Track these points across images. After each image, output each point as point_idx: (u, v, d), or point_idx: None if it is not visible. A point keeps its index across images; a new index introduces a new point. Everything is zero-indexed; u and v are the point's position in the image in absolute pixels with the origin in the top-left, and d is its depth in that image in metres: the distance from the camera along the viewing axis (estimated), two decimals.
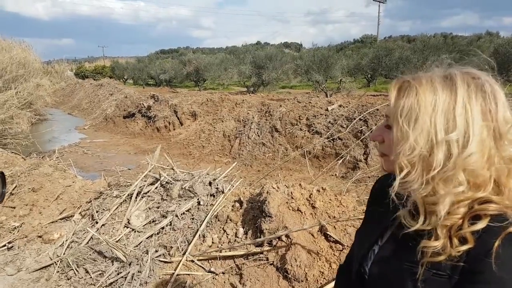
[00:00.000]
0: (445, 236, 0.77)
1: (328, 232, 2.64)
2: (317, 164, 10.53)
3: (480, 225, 0.74)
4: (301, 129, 11.52)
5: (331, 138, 10.48)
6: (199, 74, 22.38)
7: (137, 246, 3.15)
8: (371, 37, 50.56)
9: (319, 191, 2.87)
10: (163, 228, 3.20)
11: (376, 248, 0.96)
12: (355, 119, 10.92)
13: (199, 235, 2.99)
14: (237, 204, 3.17)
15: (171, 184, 3.55)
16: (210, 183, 3.40)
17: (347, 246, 2.62)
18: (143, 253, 2.98)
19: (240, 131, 12.29)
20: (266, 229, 2.70)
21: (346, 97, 13.39)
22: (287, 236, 2.62)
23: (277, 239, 2.67)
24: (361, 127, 10.70)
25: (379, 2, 50.09)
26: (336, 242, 2.65)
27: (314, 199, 2.79)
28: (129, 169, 9.85)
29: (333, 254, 2.61)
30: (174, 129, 14.37)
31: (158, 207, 3.47)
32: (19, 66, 14.70)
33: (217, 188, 3.35)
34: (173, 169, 3.78)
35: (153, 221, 3.37)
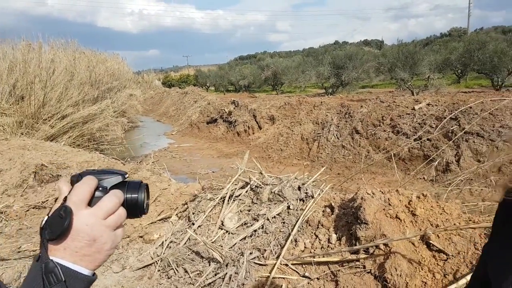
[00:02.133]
0: None
1: (430, 241, 2.49)
2: (403, 167, 9.95)
3: None
4: (384, 130, 11.00)
5: (419, 140, 9.81)
6: (276, 78, 22.68)
7: (231, 247, 3.29)
8: (459, 30, 46.12)
9: (419, 197, 2.71)
10: (255, 231, 3.31)
11: None
12: (445, 118, 10.09)
13: (291, 239, 3.03)
14: (328, 210, 3.14)
15: (260, 188, 3.65)
16: (299, 188, 3.43)
17: (452, 256, 2.44)
18: (238, 254, 3.11)
19: (318, 133, 12.16)
20: (362, 236, 2.63)
21: (434, 95, 12.45)
22: (385, 244, 2.52)
23: (374, 247, 2.59)
24: (452, 127, 9.85)
25: None
26: (439, 251, 2.48)
27: (414, 206, 2.64)
28: (213, 172, 10.37)
29: (437, 264, 2.45)
30: (253, 133, 14.77)
31: (249, 210, 3.59)
32: (113, 77, 16.32)
33: (306, 193, 3.36)
34: (261, 173, 3.88)
35: (245, 224, 3.50)
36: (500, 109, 9.31)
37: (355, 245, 2.70)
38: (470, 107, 9.70)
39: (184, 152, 13.37)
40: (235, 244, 3.31)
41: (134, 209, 0.73)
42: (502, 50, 13.51)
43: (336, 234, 2.92)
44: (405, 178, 8.64)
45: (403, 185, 7.49)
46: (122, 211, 0.71)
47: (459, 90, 13.47)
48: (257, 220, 3.37)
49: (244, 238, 3.32)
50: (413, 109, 10.95)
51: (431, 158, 8.75)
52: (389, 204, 2.71)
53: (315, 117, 12.96)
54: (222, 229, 3.54)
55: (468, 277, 2.18)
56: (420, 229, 2.61)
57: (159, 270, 3.50)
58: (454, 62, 16.76)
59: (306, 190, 3.36)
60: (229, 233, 3.47)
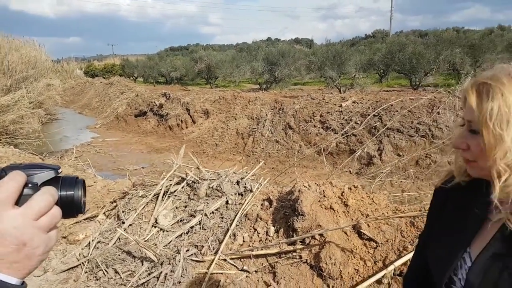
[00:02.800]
0: None
1: (362, 230, 2.62)
2: (331, 160, 10.49)
3: None
4: (314, 126, 11.48)
5: (345, 135, 10.42)
6: (210, 72, 22.40)
7: (166, 245, 3.16)
8: (382, 32, 50.03)
9: (350, 189, 2.85)
10: (192, 227, 3.21)
11: (467, 256, 0.91)
12: (369, 115, 10.84)
13: (230, 234, 3.00)
14: (266, 203, 3.16)
15: (198, 183, 3.55)
16: (237, 182, 3.40)
17: (381, 243, 2.60)
18: (174, 252, 3.00)
19: (253, 128, 12.30)
20: (299, 227, 2.69)
21: (359, 93, 13.30)
22: (320, 234, 2.61)
23: (310, 238, 2.66)
24: (375, 123, 10.62)
25: None
26: (370, 239, 2.63)
27: (347, 197, 2.77)
28: (143, 167, 9.93)
29: (367, 251, 2.59)
30: (186, 127, 14.43)
31: (185, 207, 3.48)
32: (29, 66, 14.82)
33: (245, 187, 3.35)
34: (198, 168, 3.79)
35: (181, 221, 3.39)
36: (418, 107, 10.26)
37: (293, 236, 2.75)
38: (391, 105, 10.53)
39: (109, 147, 12.60)
40: (171, 241, 3.19)
41: (70, 208, 0.64)
42: (419, 53, 14.92)
43: (274, 226, 2.94)
44: (333, 171, 9.11)
45: (331, 178, 7.90)
46: (56, 211, 0.60)
47: (381, 89, 14.56)
48: (194, 216, 3.27)
49: (180, 235, 3.21)
50: (341, 106, 11.59)
51: (357, 152, 9.35)
52: (324, 196, 2.80)
53: (250, 112, 13.07)
54: (156, 227, 3.38)
55: (397, 264, 2.34)
56: (352, 219, 2.74)
57: (86, 272, 3.24)
58: (377, 63, 18.11)
59: (245, 184, 3.34)
60: (163, 231, 3.33)
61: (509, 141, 0.76)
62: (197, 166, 3.80)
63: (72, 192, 0.64)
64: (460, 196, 0.96)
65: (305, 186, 2.85)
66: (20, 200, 0.58)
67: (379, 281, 2.38)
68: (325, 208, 2.74)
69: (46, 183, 0.62)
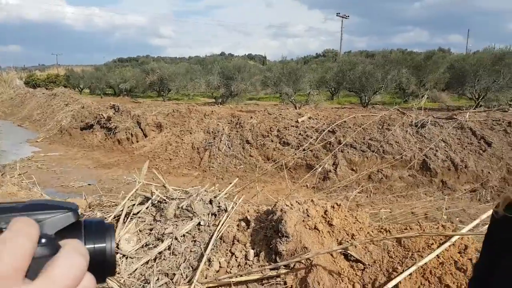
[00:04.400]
0: None
1: (348, 252, 2.50)
2: (288, 175, 10.50)
3: None
4: (272, 141, 11.48)
5: (303, 150, 10.52)
6: (163, 84, 21.79)
7: (131, 274, 2.82)
8: (332, 52, 52.48)
9: (333, 207, 2.74)
10: (161, 253, 2.90)
11: None
12: (324, 131, 11.08)
13: (205, 259, 2.74)
14: (243, 224, 2.95)
15: (165, 203, 3.25)
16: (210, 201, 3.15)
17: (369, 265, 2.50)
18: (141, 282, 2.67)
19: (210, 143, 12.01)
20: (283, 250, 2.51)
21: (314, 109, 13.61)
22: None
23: (295, 262, 2.49)
24: (330, 139, 10.86)
25: (342, 17, 52.22)
26: (357, 261, 2.52)
27: (331, 216, 2.65)
28: (89, 184, 9.22)
29: (355, 274, 2.47)
30: (137, 141, 13.74)
31: (151, 230, 3.15)
32: None
33: (219, 207, 3.11)
34: (164, 186, 3.48)
35: (146, 245, 3.05)
36: (370, 123, 10.67)
37: (275, 259, 2.56)
38: (345, 121, 10.87)
39: (52, 162, 11.61)
40: (136, 269, 2.84)
41: (101, 269, 0.43)
42: (369, 72, 15.71)
43: (254, 249, 2.73)
44: (292, 186, 9.09)
45: (290, 193, 7.86)
46: (89, 282, 0.38)
47: (333, 106, 15.07)
48: (162, 241, 2.96)
49: (147, 262, 2.88)
50: (297, 121, 11.74)
51: (317, 168, 9.44)
52: (308, 215, 2.66)
53: (206, 126, 12.78)
54: (117, 253, 3.01)
55: (389, 285, 2.24)
56: (338, 239, 2.62)
57: None
58: (329, 81, 18.78)
59: (219, 203, 3.10)
60: (127, 258, 2.97)
61: None
62: (163, 184, 3.50)
63: (104, 245, 0.44)
64: None
65: (287, 205, 2.69)
66: (31, 268, 0.33)
67: None
68: (309, 229, 2.59)
69: (64, 232, 0.41)
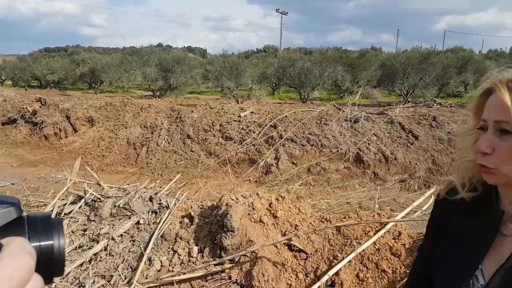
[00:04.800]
0: None
1: (292, 242, 2.54)
2: (231, 170, 10.48)
3: None
4: (214, 136, 11.36)
5: (246, 145, 10.57)
6: (95, 76, 20.46)
7: (64, 278, 2.60)
8: (273, 48, 53.37)
9: (278, 199, 2.75)
10: (96, 254, 2.71)
11: (479, 273, 0.83)
12: (266, 125, 11.24)
13: (145, 259, 2.61)
14: (186, 220, 2.85)
15: (99, 202, 3.04)
16: (150, 198, 3.00)
17: (311, 254, 2.56)
18: (75, 285, 2.47)
19: (147, 138, 11.55)
20: (228, 244, 2.46)
21: (256, 104, 13.70)
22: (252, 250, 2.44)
23: (240, 255, 2.47)
24: (272, 133, 11.04)
25: (281, 14, 53.16)
26: (300, 251, 2.56)
27: (275, 208, 2.66)
28: (13, 184, 8.40)
29: (298, 264, 2.52)
30: (66, 137, 12.78)
31: (84, 230, 2.93)
32: None
33: (160, 204, 2.97)
34: (99, 184, 3.26)
35: (79, 247, 2.84)
36: (309, 118, 11.02)
37: (220, 255, 2.52)
38: (286, 116, 11.10)
39: None
40: (69, 273, 2.63)
41: (48, 268, 0.39)
42: (308, 69, 16.20)
43: (197, 246, 2.66)
44: (235, 181, 9.10)
45: (233, 188, 7.86)
46: (37, 283, 0.34)
47: (275, 101, 15.30)
48: (98, 241, 2.77)
49: (81, 264, 2.68)
50: (239, 116, 11.74)
51: (260, 162, 9.54)
52: (253, 208, 2.65)
53: (143, 120, 12.26)
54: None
55: (331, 273, 2.31)
56: (282, 231, 2.64)
57: None
58: (270, 76, 19.06)
59: (160, 200, 2.97)
60: None
61: None
62: (97, 181, 3.27)
63: (51, 242, 0.40)
64: (466, 208, 0.90)
65: (232, 199, 2.65)
66: None
67: None
68: (254, 222, 2.58)
69: (5, 229, 0.36)
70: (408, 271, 2.07)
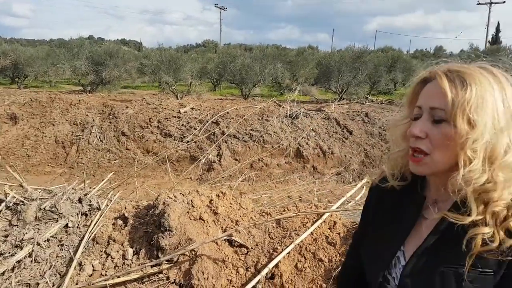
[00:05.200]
0: (493, 224, 0.76)
1: (233, 238, 2.53)
2: (171, 168, 10.19)
3: None
4: (152, 132, 10.97)
5: (187, 142, 10.35)
6: (18, 69, 18.66)
7: None
8: (213, 43, 52.80)
9: (218, 196, 2.71)
10: (20, 261, 2.47)
11: (401, 254, 0.88)
12: (207, 121, 11.11)
13: (75, 264, 2.43)
14: (120, 221, 2.70)
15: (22, 205, 2.77)
16: (80, 200, 2.80)
17: (252, 248, 2.57)
18: None
19: (77, 136, 10.83)
20: (166, 245, 2.37)
21: (196, 100, 13.46)
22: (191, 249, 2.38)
23: (179, 254, 2.40)
24: (214, 130, 10.94)
25: (220, 8, 52.71)
26: (240, 246, 2.56)
27: (216, 205, 2.62)
28: None
29: (239, 259, 2.51)
30: None
31: (6, 236, 2.65)
32: None
33: (90, 205, 2.78)
34: (21, 186, 2.97)
35: (1, 254, 2.58)
36: (251, 115, 11.09)
37: (158, 255, 2.43)
38: (228, 112, 11.06)
39: None
40: None
41: None
42: (248, 65, 16.26)
43: (132, 248, 2.54)
44: (175, 179, 8.88)
45: (174, 186, 7.66)
46: None
47: (216, 97, 15.16)
48: (22, 247, 2.53)
49: (3, 273, 2.43)
50: (179, 112, 11.45)
51: (201, 159, 9.39)
52: (193, 206, 2.58)
53: (72, 117, 11.46)
54: None
55: (270, 265, 2.34)
56: (222, 227, 2.62)
57: None
58: (210, 71, 18.84)
59: (90, 201, 2.78)
60: None
61: (482, 127, 0.76)
62: (20, 183, 2.98)
63: None
64: (396, 194, 0.95)
65: (170, 198, 2.56)
66: None
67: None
68: (194, 219, 2.51)
69: None
70: (343, 259, 2.16)
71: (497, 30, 54.18)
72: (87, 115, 11.47)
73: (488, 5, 45.51)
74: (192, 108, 11.50)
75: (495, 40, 50.73)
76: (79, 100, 12.35)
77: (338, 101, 15.33)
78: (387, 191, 0.95)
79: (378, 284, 0.89)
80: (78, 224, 2.71)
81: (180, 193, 2.65)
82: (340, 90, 17.12)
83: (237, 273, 2.43)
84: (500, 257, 0.75)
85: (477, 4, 48.14)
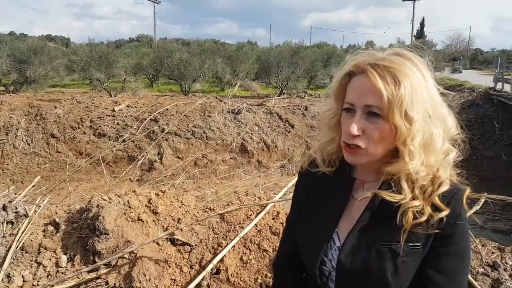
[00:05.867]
0: (422, 198, 0.81)
1: (175, 236, 2.46)
2: (108, 170, 9.66)
3: (445, 187, 0.81)
4: (84, 133, 10.33)
5: (123, 141, 9.88)
6: None
7: None
8: (147, 37, 50.82)
9: (158, 194, 2.61)
10: None
11: (335, 235, 0.90)
12: (146, 119, 10.70)
13: (2, 276, 2.22)
14: (51, 228, 2.49)
15: None
16: (4, 207, 2.54)
17: (195, 245, 2.52)
18: None
19: (1, 140, 9.89)
20: (103, 249, 2.23)
21: (132, 97, 12.88)
22: (130, 252, 2.28)
23: (117, 258, 2.29)
24: (153, 128, 10.58)
25: (154, 2, 50.81)
26: (184, 244, 2.50)
27: (155, 204, 2.51)
28: None
29: (182, 257, 2.44)
30: None
31: None
32: None
33: (16, 212, 2.53)
34: None
35: None
36: (192, 111, 10.88)
37: (94, 260, 2.29)
38: (167, 109, 10.74)
39: None
40: None
41: None
42: (187, 60, 15.86)
43: (66, 255, 2.36)
44: (112, 181, 8.44)
45: (111, 189, 7.27)
46: None
47: (153, 94, 14.60)
48: None
49: None
50: (113, 110, 10.89)
51: (139, 159, 9.01)
52: (130, 207, 2.46)
53: None
54: None
55: (215, 261, 2.31)
56: (164, 226, 2.54)
57: None
58: (146, 67, 18.12)
59: (16, 208, 2.53)
60: None
61: (420, 121, 0.78)
62: None
63: None
64: (326, 178, 0.97)
65: (104, 200, 2.42)
66: None
67: (199, 285, 2.29)
68: (132, 221, 2.39)
69: None
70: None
71: (422, 25, 59.02)
72: (11, 117, 10.50)
73: (412, 1, 49.13)
74: (128, 106, 10.99)
75: (420, 34, 55.20)
76: (1, 102, 11.27)
77: (279, 96, 15.64)
78: (317, 176, 0.97)
79: (316, 266, 0.91)
80: (4, 234, 2.46)
81: (116, 195, 2.51)
82: (280, 85, 17.48)
83: (181, 272, 2.36)
84: (429, 230, 0.80)
85: (403, 0, 51.80)
